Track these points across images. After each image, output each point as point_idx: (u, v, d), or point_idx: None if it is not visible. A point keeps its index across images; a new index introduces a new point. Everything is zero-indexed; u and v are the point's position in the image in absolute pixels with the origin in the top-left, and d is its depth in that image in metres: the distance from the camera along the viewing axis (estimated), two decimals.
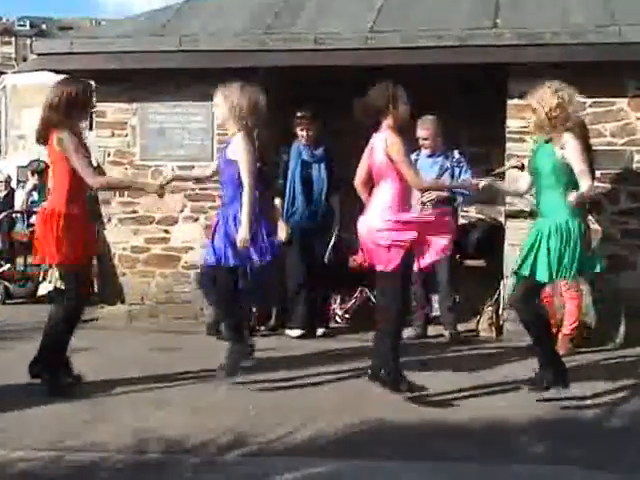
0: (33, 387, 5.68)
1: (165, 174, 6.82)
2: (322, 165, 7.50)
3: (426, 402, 5.41)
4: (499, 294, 7.52)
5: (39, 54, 8.37)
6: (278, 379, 5.92)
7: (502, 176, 7.36)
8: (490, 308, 7.55)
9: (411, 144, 6.14)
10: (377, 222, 5.37)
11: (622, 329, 7.18)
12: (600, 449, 4.65)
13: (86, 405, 5.37)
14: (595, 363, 6.59)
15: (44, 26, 75.95)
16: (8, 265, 9.60)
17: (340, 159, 7.73)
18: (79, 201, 5.64)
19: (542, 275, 5.23)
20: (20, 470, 4.28)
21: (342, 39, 7.37)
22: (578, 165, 5.19)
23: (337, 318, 8.02)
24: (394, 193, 5.38)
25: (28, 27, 77.34)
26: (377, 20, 7.59)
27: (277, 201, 7.42)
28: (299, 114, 7.37)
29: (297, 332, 7.46)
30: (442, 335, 7.33)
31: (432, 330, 7.47)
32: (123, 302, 8.19)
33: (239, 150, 5.63)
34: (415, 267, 5.55)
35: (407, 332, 6.67)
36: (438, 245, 5.46)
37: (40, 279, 8.62)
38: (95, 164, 5.98)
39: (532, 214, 6.50)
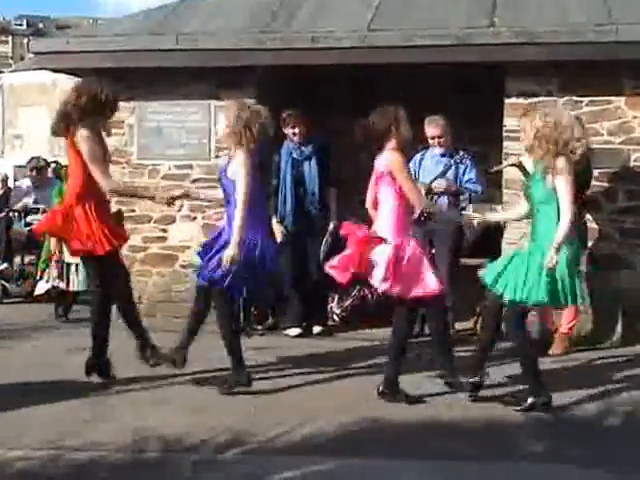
0: (31, 386, 5.68)
1: (166, 193, 6.59)
2: (313, 162, 7.50)
3: (423, 401, 5.42)
4: None
5: (36, 53, 8.36)
6: (276, 378, 5.93)
7: (500, 174, 7.39)
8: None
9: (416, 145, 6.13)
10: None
11: (619, 328, 7.19)
12: (597, 448, 4.66)
13: (85, 404, 5.37)
14: (592, 362, 6.60)
15: (41, 25, 75.88)
16: (5, 264, 9.58)
17: (339, 159, 7.76)
18: (94, 196, 5.67)
19: (536, 297, 5.17)
20: (19, 469, 4.29)
21: (340, 38, 7.36)
22: (562, 199, 5.17)
23: (335, 317, 8.02)
24: (394, 214, 5.40)
25: (25, 26, 77.27)
26: (375, 19, 7.58)
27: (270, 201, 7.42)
28: (284, 113, 7.37)
29: (295, 331, 7.47)
30: None
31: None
32: None
33: (238, 171, 5.58)
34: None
35: None
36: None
37: (38, 278, 8.60)
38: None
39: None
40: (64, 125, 5.67)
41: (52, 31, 62.37)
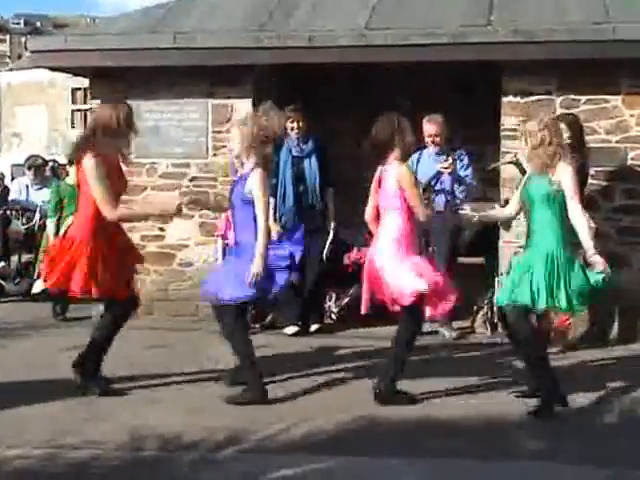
0: (29, 385, 5.68)
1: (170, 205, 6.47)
2: (313, 159, 7.50)
3: (420, 399, 5.43)
4: (494, 291, 7.53)
5: (34, 51, 8.36)
6: (273, 376, 5.93)
7: (497, 171, 7.40)
8: (485, 305, 7.57)
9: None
10: (384, 256, 5.37)
11: (616, 326, 7.20)
12: (594, 446, 4.66)
13: (82, 403, 5.37)
14: (589, 361, 6.61)
15: (39, 24, 75.75)
16: (3, 263, 9.58)
17: (337, 158, 7.77)
18: (105, 229, 5.49)
19: (542, 302, 5.15)
20: (17, 468, 4.28)
21: (336, 37, 7.37)
22: (572, 206, 5.21)
23: (332, 315, 8.03)
24: (401, 227, 5.37)
25: (23, 25, 77.15)
26: (371, 18, 7.59)
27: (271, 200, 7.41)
28: (289, 108, 7.36)
29: (292, 329, 7.47)
30: (437, 332, 7.34)
31: (426, 327, 7.46)
32: None
33: (256, 188, 5.46)
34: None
35: None
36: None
37: (35, 277, 8.60)
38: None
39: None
40: (76, 153, 5.53)
41: (50, 30, 62.31)
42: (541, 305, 5.20)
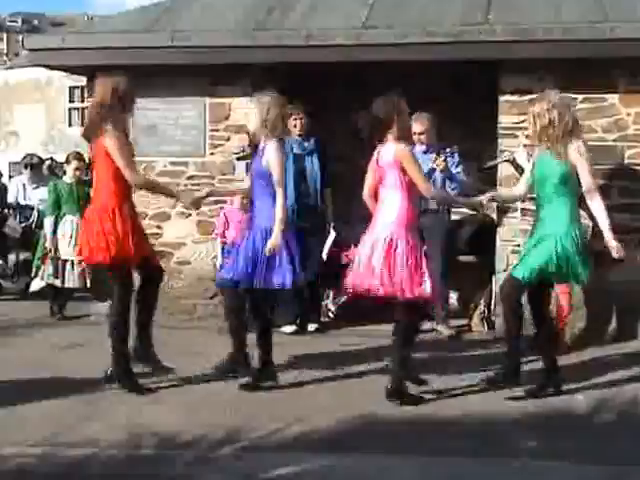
0: (26, 383, 5.69)
1: (190, 196, 6.35)
2: (314, 157, 7.50)
3: (417, 397, 5.44)
4: (491, 289, 7.55)
5: (31, 50, 8.34)
6: None
7: (494, 169, 7.41)
8: (482, 303, 7.58)
9: None
10: (383, 233, 5.37)
11: (613, 324, 7.21)
12: (592, 444, 4.67)
13: (79, 401, 5.37)
14: (586, 359, 6.61)
15: (36, 22, 75.60)
16: (0, 261, 9.58)
17: (335, 156, 7.77)
18: (127, 197, 5.65)
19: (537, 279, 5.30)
20: (14, 466, 4.29)
21: (334, 35, 7.37)
22: (586, 182, 5.36)
23: (330, 313, 8.04)
24: (401, 206, 5.38)
25: (20, 23, 77.02)
26: (369, 16, 7.59)
27: None
28: (290, 107, 7.36)
29: (290, 328, 7.48)
30: (435, 330, 7.35)
31: (424, 325, 7.47)
32: None
33: (272, 159, 5.62)
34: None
35: None
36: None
37: (32, 275, 8.60)
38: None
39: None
40: (93, 129, 5.61)
41: (47, 28, 62.22)
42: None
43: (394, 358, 5.44)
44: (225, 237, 7.55)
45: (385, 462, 4.37)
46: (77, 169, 8.18)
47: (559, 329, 6.88)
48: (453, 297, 7.96)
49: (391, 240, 5.30)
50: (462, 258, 7.83)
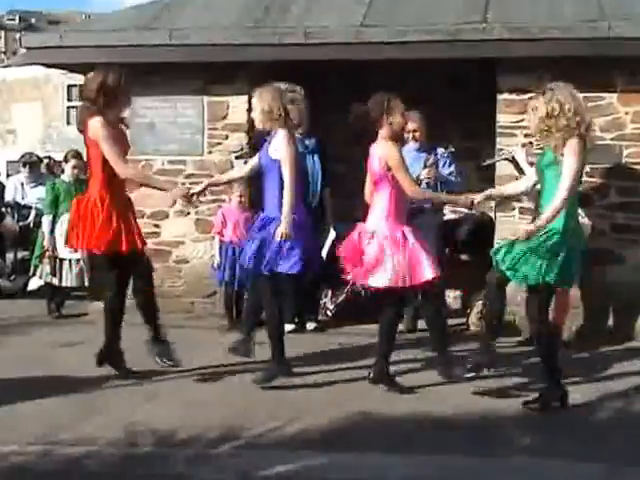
0: (24, 381, 5.68)
1: (183, 190, 6.37)
2: (315, 156, 7.48)
3: (415, 396, 5.44)
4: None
5: (29, 48, 8.34)
6: None
7: (492, 168, 7.41)
8: (479, 302, 7.57)
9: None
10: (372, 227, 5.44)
11: (610, 323, 7.22)
12: (590, 442, 4.68)
13: (76, 399, 5.37)
14: (583, 357, 6.62)
15: (34, 20, 75.61)
16: None
17: (333, 154, 7.76)
18: (117, 189, 5.69)
19: (552, 279, 5.17)
20: (10, 464, 4.29)
21: (332, 33, 7.37)
22: (565, 178, 5.11)
23: (328, 312, 8.03)
24: (390, 203, 5.42)
25: (17, 21, 77.01)
26: (367, 15, 7.59)
27: None
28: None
29: (288, 327, 7.46)
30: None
31: (423, 324, 7.47)
32: None
33: (282, 149, 5.60)
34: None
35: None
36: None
37: (30, 274, 8.59)
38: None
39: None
40: (83, 121, 5.67)
41: (44, 26, 62.21)
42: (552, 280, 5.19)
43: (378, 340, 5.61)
44: (223, 235, 7.55)
45: (382, 460, 4.38)
46: (75, 167, 8.16)
47: (557, 327, 6.90)
48: (450, 296, 7.98)
49: (380, 236, 5.41)
50: (460, 257, 7.83)
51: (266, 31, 7.56)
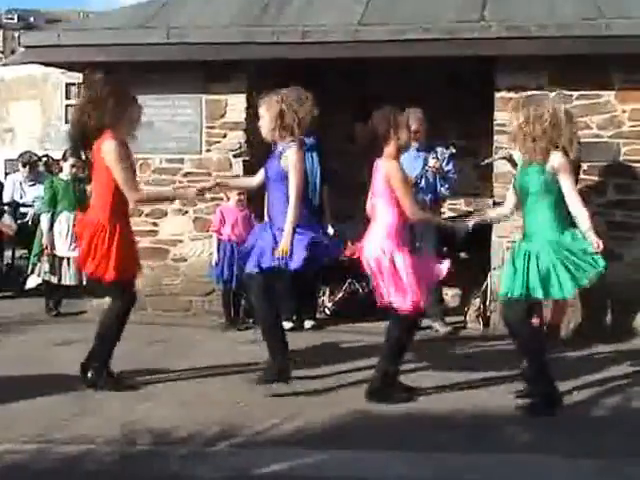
0: (21, 380, 5.68)
1: (189, 190, 6.32)
2: (314, 154, 7.47)
3: (412, 394, 5.45)
4: (486, 286, 7.56)
5: (27, 47, 8.34)
6: None
7: (490, 167, 7.42)
8: (477, 300, 7.59)
9: None
10: (375, 250, 5.35)
11: (608, 321, 7.22)
12: (584, 439, 4.68)
13: (73, 397, 5.37)
14: (581, 355, 6.63)
15: (32, 19, 75.53)
16: None
17: (331, 152, 7.76)
18: (124, 213, 5.54)
19: (538, 292, 5.14)
20: (7, 462, 4.28)
21: (330, 32, 7.37)
22: (571, 199, 5.14)
23: (326, 310, 8.04)
24: (392, 220, 5.36)
25: (16, 20, 76.94)
26: (365, 13, 7.59)
27: None
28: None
29: (286, 325, 7.47)
30: (430, 327, 7.36)
31: (423, 323, 7.48)
32: None
33: (292, 164, 5.49)
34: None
35: None
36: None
37: (29, 272, 8.59)
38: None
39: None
40: (82, 142, 5.50)
41: (42, 25, 62.14)
42: (541, 295, 5.18)
43: (379, 365, 5.44)
44: (221, 234, 7.55)
45: (380, 458, 4.38)
46: (74, 166, 8.15)
47: (555, 327, 6.90)
48: (448, 294, 7.98)
49: (380, 256, 5.29)
50: (458, 254, 7.84)
51: (264, 29, 7.55)
